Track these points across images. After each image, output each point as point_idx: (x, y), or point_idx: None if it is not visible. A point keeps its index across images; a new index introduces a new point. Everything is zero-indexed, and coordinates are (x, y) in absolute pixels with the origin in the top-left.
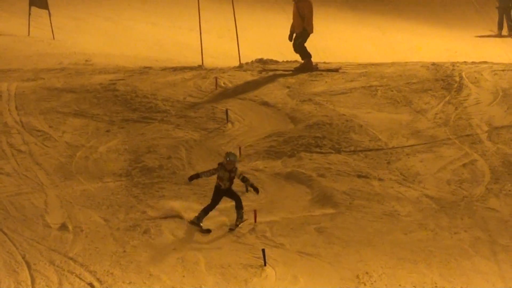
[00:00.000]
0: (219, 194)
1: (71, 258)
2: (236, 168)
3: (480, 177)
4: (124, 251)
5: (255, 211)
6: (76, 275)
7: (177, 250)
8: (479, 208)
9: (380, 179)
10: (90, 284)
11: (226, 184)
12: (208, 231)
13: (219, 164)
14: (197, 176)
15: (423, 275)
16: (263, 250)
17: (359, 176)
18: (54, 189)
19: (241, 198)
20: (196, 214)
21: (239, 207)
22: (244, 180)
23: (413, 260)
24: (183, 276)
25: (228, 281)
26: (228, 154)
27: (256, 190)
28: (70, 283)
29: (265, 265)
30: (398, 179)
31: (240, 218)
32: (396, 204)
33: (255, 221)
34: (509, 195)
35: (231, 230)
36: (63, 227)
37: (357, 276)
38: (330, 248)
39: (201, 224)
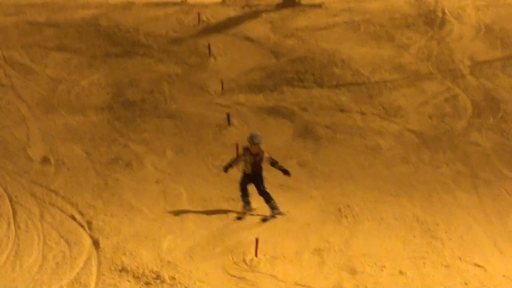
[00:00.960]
0: (244, 180)
1: (52, 191)
2: (263, 152)
3: (462, 112)
4: (106, 184)
5: (237, 145)
6: (58, 208)
7: (159, 183)
8: (461, 143)
9: (362, 113)
10: (72, 217)
11: (249, 169)
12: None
13: (244, 148)
14: (230, 166)
15: (405, 209)
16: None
17: (341, 110)
18: (36, 123)
19: (269, 193)
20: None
21: (266, 201)
22: (273, 163)
23: (395, 194)
24: (165, 208)
25: (209, 213)
26: (251, 136)
27: (287, 172)
28: (52, 215)
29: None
30: (380, 113)
31: (274, 208)
32: (378, 138)
33: (238, 155)
34: (491, 129)
35: (239, 219)
36: (45, 160)
37: (339, 209)
38: (312, 181)
39: (250, 207)
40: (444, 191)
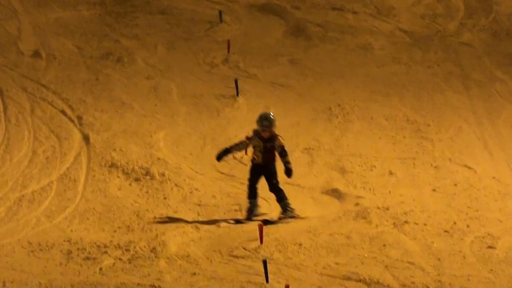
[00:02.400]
0: (254, 171)
1: (43, 85)
2: (275, 137)
3: (454, 12)
4: (97, 79)
5: (228, 41)
6: (48, 102)
7: (150, 79)
8: (452, 43)
9: (354, 12)
10: (62, 111)
11: (259, 158)
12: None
13: (253, 131)
14: (226, 152)
15: (395, 109)
16: (236, 81)
17: (333, 9)
18: (27, 16)
19: (282, 190)
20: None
21: (278, 199)
22: (283, 155)
23: (386, 93)
24: (155, 105)
25: (200, 111)
26: (262, 117)
27: (289, 172)
28: (42, 110)
29: (237, 95)
30: (372, 13)
31: (285, 211)
32: (370, 37)
33: (229, 51)
34: (483, 30)
35: (238, 222)
36: (36, 54)
37: (329, 108)
38: (303, 79)
39: (257, 213)
40: (435, 92)
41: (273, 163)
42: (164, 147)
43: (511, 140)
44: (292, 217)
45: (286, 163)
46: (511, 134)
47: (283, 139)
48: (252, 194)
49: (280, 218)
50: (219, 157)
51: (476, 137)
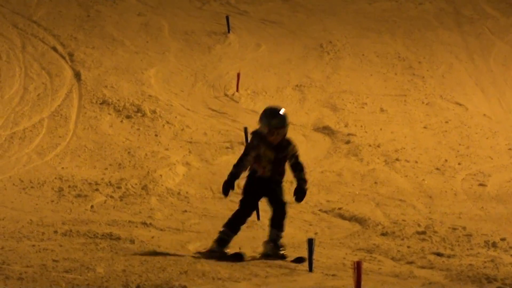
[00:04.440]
0: (255, 187)
1: (34, 22)
2: (290, 142)
3: None
4: (88, 16)
5: None
6: (39, 39)
7: (141, 15)
8: None
9: None
10: (53, 48)
11: (267, 170)
12: (238, 256)
13: (255, 135)
14: (232, 178)
15: (387, 45)
16: (227, 17)
17: None
18: None
19: (286, 209)
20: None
21: (275, 223)
22: (297, 168)
23: (377, 30)
24: (147, 41)
25: (191, 47)
26: (269, 114)
27: (302, 194)
28: (34, 46)
29: (228, 32)
30: None
31: (272, 242)
32: None
33: None
34: None
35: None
36: None
37: (321, 45)
38: (294, 16)
39: (226, 250)
40: (427, 28)
41: (282, 177)
42: (155, 84)
43: (503, 77)
44: (281, 257)
45: (301, 181)
46: (502, 71)
47: (296, 146)
48: (238, 225)
49: (266, 255)
50: (226, 190)
51: (468, 74)
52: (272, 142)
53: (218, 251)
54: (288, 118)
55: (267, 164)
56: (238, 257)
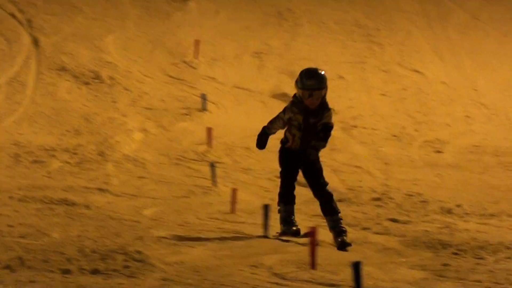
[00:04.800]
0: (287, 159)
1: None
2: (326, 108)
3: None
4: None
5: None
6: None
7: None
8: None
9: None
10: (12, 14)
11: (297, 140)
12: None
13: (293, 96)
14: (263, 131)
15: (346, 13)
16: None
17: None
18: None
19: (332, 194)
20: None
21: (324, 210)
22: (321, 136)
23: None
24: (106, 8)
25: (150, 14)
26: (305, 74)
27: (316, 150)
28: None
29: None
30: None
31: (339, 234)
32: None
33: None
34: None
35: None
36: None
37: (280, 12)
38: None
39: (293, 228)
40: None
41: (315, 150)
42: (114, 50)
43: (461, 44)
44: (348, 245)
45: (314, 147)
46: (461, 39)
47: (335, 112)
48: (288, 196)
49: (338, 246)
50: (261, 144)
51: (426, 41)
52: (308, 107)
53: (288, 231)
54: (326, 80)
55: (296, 131)
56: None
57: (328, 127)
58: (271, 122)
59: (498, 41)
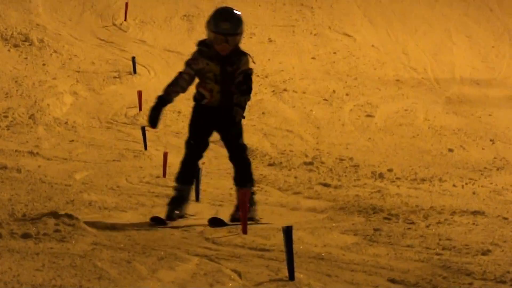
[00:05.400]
0: (200, 119)
1: None
2: (242, 54)
3: None
4: None
5: None
6: None
7: None
8: None
9: None
10: None
11: (214, 93)
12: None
13: (197, 44)
14: (160, 101)
15: None
16: None
17: None
18: None
19: (249, 158)
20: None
21: (238, 179)
22: (239, 88)
23: None
24: None
25: None
26: (218, 15)
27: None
28: None
29: None
30: None
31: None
32: None
33: None
34: None
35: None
36: None
37: None
38: None
39: (176, 212)
40: None
41: (233, 102)
42: (43, 13)
43: (391, 7)
44: (254, 220)
45: (236, 106)
46: (391, 2)
47: (254, 61)
48: (188, 173)
49: (234, 220)
50: (153, 118)
51: (356, 5)
52: (219, 52)
53: (175, 214)
54: (243, 23)
55: (214, 85)
56: (217, 223)
57: (249, 76)
58: (171, 84)
59: (428, 6)
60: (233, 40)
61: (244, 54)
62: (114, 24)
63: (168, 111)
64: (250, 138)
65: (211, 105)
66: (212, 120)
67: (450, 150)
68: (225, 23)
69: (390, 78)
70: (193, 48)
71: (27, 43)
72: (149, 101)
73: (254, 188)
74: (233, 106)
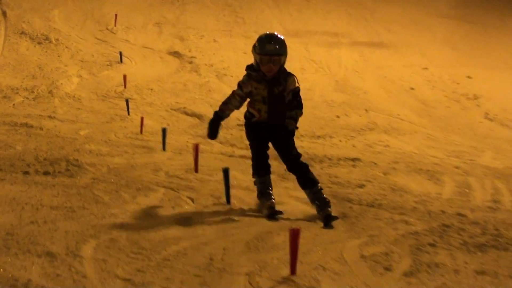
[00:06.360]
0: (255, 133)
1: None
2: (287, 74)
3: None
4: None
5: None
6: None
7: None
8: None
9: None
10: None
11: (264, 112)
12: (277, 212)
13: (248, 67)
14: (217, 117)
15: None
16: None
17: None
18: None
19: (308, 165)
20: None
21: (302, 183)
22: (290, 105)
23: None
24: None
25: None
26: (264, 39)
27: (291, 125)
28: None
29: None
30: None
31: (322, 207)
32: None
33: None
34: None
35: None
36: None
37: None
38: None
39: (269, 201)
40: None
41: (284, 119)
42: (58, 20)
43: (298, 18)
44: (334, 218)
45: (288, 118)
46: (298, 15)
47: (298, 82)
48: (262, 167)
49: (325, 222)
50: (213, 133)
51: (274, 16)
52: (265, 74)
53: (266, 202)
54: (286, 46)
55: (261, 105)
56: (277, 213)
57: (297, 93)
58: (226, 103)
59: (322, 17)
60: (278, 60)
61: (290, 75)
62: (107, 29)
63: (144, 88)
64: (200, 108)
65: (260, 121)
66: (263, 133)
67: (338, 116)
68: (270, 45)
69: (297, 67)
70: (161, 46)
71: (47, 41)
72: (131, 82)
73: (319, 185)
74: (282, 122)
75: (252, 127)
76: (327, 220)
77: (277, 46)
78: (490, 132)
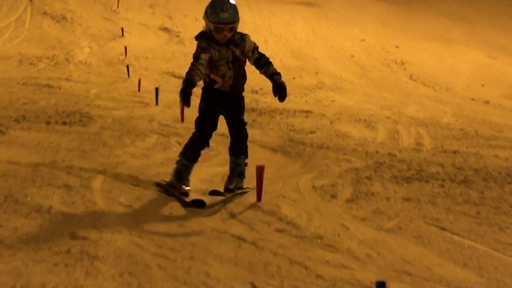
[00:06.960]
0: (212, 104)
1: None
2: (244, 35)
3: None
4: None
5: None
6: None
7: None
8: None
9: None
10: None
11: (228, 80)
12: (200, 203)
13: (199, 36)
14: (187, 84)
15: None
16: None
17: None
18: None
19: (246, 131)
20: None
21: (235, 149)
22: (266, 62)
23: None
24: None
25: None
26: (216, 4)
27: (282, 89)
28: None
29: None
30: None
31: (235, 178)
32: None
33: None
34: None
35: (214, 193)
36: None
37: None
38: None
39: (185, 187)
40: None
41: (243, 86)
42: (73, 3)
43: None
44: (243, 191)
45: (275, 75)
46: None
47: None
48: (194, 151)
49: (237, 190)
50: (186, 95)
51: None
52: (221, 40)
53: (176, 186)
54: (237, 10)
55: (226, 70)
56: (199, 204)
57: (258, 49)
58: (191, 72)
59: (283, 2)
60: (233, 27)
61: (244, 35)
62: (112, 10)
63: (141, 57)
64: (184, 71)
65: (222, 90)
66: (221, 103)
67: (294, 78)
68: (224, 13)
69: (261, 40)
70: (154, 23)
71: (64, 20)
72: (130, 51)
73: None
74: (241, 91)
75: (211, 95)
76: (228, 191)
77: (231, 13)
78: (413, 90)
